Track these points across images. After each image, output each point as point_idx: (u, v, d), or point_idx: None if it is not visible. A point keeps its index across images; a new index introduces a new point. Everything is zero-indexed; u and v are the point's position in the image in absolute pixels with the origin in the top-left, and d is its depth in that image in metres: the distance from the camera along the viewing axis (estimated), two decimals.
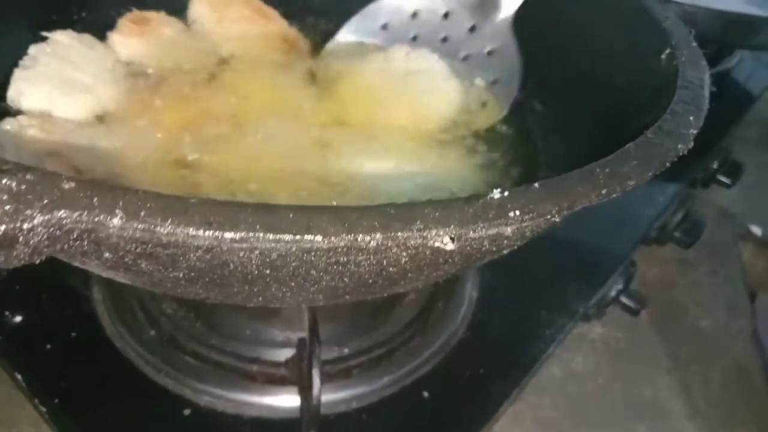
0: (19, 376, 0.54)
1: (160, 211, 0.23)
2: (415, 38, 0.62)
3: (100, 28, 0.60)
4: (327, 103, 0.57)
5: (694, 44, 0.47)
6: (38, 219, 0.23)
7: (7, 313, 0.58)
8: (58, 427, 0.52)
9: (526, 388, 0.62)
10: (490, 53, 0.58)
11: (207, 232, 0.23)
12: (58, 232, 0.24)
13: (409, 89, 0.57)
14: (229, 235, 0.23)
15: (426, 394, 0.57)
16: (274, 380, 0.56)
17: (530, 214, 0.27)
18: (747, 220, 1.18)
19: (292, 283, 0.31)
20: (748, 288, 1.06)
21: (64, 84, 0.52)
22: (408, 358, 0.59)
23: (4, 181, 0.23)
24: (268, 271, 0.29)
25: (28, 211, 0.23)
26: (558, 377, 0.85)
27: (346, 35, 0.63)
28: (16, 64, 0.53)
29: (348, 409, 0.55)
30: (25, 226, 0.23)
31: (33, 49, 0.54)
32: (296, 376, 0.53)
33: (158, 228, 0.23)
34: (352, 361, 0.57)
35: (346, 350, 0.58)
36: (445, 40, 0.61)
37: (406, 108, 0.56)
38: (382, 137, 0.54)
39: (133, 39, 0.61)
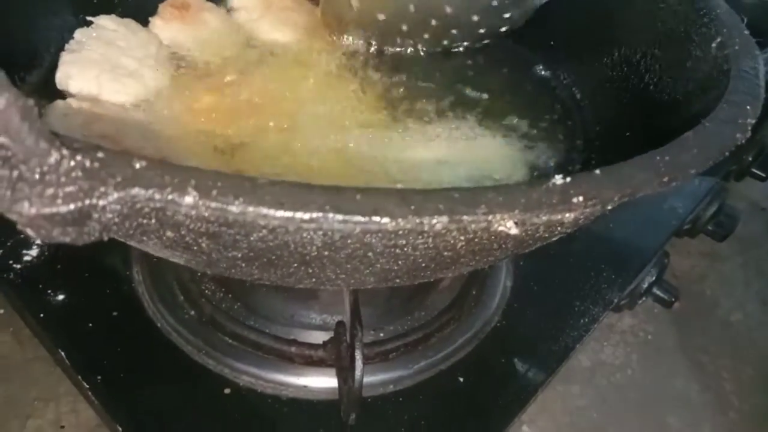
0: (62, 353, 0.55)
1: (231, 190, 0.24)
2: None
3: (140, 13, 0.61)
4: (371, 91, 0.57)
5: (746, 32, 0.46)
6: (113, 196, 0.23)
7: (49, 291, 0.59)
8: (101, 403, 0.53)
9: (555, 376, 0.62)
10: None
11: (278, 212, 0.23)
12: (129, 210, 0.24)
13: None
14: (299, 215, 0.24)
15: (461, 379, 0.58)
16: (312, 362, 0.56)
17: (593, 200, 0.27)
18: None
19: (348, 266, 0.31)
20: None
21: (111, 68, 0.53)
22: (444, 343, 0.59)
23: (78, 158, 0.24)
24: (326, 253, 0.29)
25: (103, 188, 0.23)
26: (587, 367, 0.85)
27: None
28: (60, 47, 0.53)
29: (385, 392, 0.56)
30: (101, 202, 0.23)
31: (79, 34, 0.55)
32: (334, 358, 0.53)
33: (230, 207, 0.23)
34: (389, 345, 0.58)
35: (382, 334, 0.59)
36: None
37: None
38: (424, 127, 0.54)
39: (174, 24, 0.61)
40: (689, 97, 0.45)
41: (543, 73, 0.61)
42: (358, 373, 0.46)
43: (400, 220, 0.24)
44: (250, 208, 0.23)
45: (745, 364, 0.89)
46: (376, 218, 0.24)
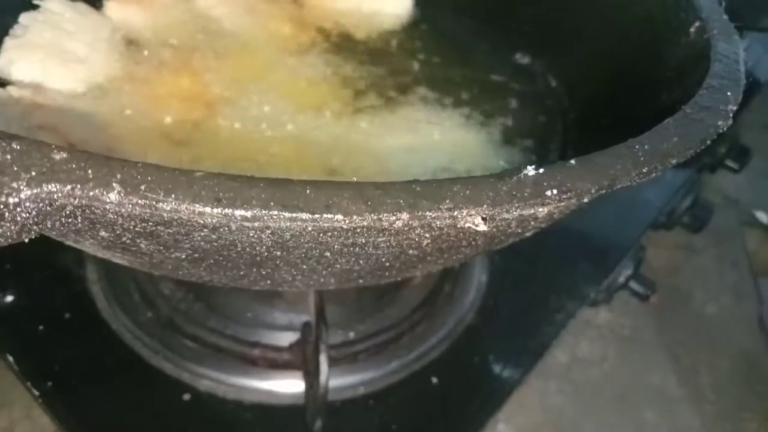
0: (10, 358, 0.52)
1: (162, 185, 0.21)
2: None
3: None
4: (334, 78, 0.54)
5: (725, 17, 0.44)
6: (25, 193, 0.20)
7: None
8: (51, 411, 0.50)
9: (531, 373, 0.61)
10: None
11: (215, 209, 0.21)
12: (48, 208, 0.21)
13: None
14: (239, 212, 0.21)
15: (435, 379, 0.55)
16: (277, 365, 0.54)
17: (568, 193, 0.25)
18: (753, 206, 1.17)
19: (304, 266, 0.29)
20: (753, 275, 1.05)
21: (58, 54, 0.49)
22: (416, 342, 0.57)
23: None
24: (279, 253, 0.27)
25: (14, 184, 0.20)
26: (563, 363, 0.84)
27: None
28: (5, 33, 0.50)
29: (355, 395, 0.53)
30: (11, 200, 0.20)
31: (24, 18, 0.51)
32: (301, 360, 0.51)
33: (160, 204, 0.21)
34: (358, 346, 0.55)
35: (351, 334, 0.56)
36: None
37: None
38: (391, 114, 0.51)
39: (130, 7, 0.58)
40: (668, 83, 0.43)
41: (519, 61, 0.59)
42: (322, 377, 0.44)
43: (355, 217, 0.22)
44: (184, 206, 0.21)
45: (721, 357, 0.88)
46: (328, 215, 0.22)
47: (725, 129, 0.33)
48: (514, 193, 0.24)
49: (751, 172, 1.07)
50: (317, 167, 0.46)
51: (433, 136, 0.50)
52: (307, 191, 0.22)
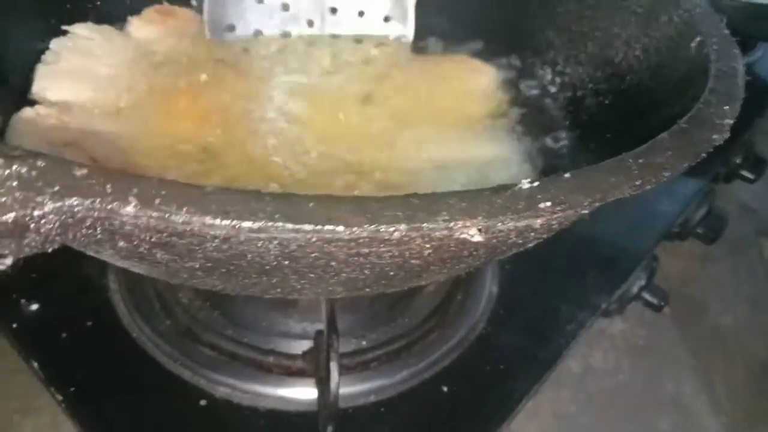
0: (35, 364, 0.54)
1: (175, 199, 0.22)
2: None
3: (115, 18, 0.60)
4: (353, 90, 0.56)
5: (726, 32, 0.45)
6: (49, 206, 0.22)
7: (23, 300, 0.58)
8: (74, 416, 0.52)
9: (543, 383, 0.61)
10: None
11: (224, 221, 0.22)
12: (70, 220, 0.23)
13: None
14: (246, 224, 0.22)
15: (445, 388, 0.56)
16: (291, 372, 0.55)
17: (561, 206, 0.26)
18: None
19: (312, 275, 0.30)
20: None
21: (86, 78, 0.52)
22: (427, 351, 0.58)
23: (14, 167, 0.23)
24: (286, 262, 0.28)
25: (39, 198, 0.22)
26: (577, 372, 0.84)
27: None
28: (32, 54, 0.52)
29: (366, 403, 0.54)
30: (36, 213, 0.22)
31: (54, 44, 0.54)
32: (313, 368, 0.52)
33: (173, 216, 0.22)
34: (370, 354, 0.56)
35: (364, 342, 0.57)
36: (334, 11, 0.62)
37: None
38: (422, 128, 0.52)
39: (152, 25, 0.60)
40: (669, 97, 0.44)
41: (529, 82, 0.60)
42: (333, 384, 0.45)
43: (355, 228, 0.23)
44: (195, 218, 0.22)
45: (736, 367, 0.88)
46: (330, 227, 0.23)
47: (721, 142, 0.34)
48: (508, 205, 0.25)
49: (767, 180, 1.06)
50: (338, 185, 0.47)
51: (460, 150, 0.51)
52: (311, 205, 0.23)
